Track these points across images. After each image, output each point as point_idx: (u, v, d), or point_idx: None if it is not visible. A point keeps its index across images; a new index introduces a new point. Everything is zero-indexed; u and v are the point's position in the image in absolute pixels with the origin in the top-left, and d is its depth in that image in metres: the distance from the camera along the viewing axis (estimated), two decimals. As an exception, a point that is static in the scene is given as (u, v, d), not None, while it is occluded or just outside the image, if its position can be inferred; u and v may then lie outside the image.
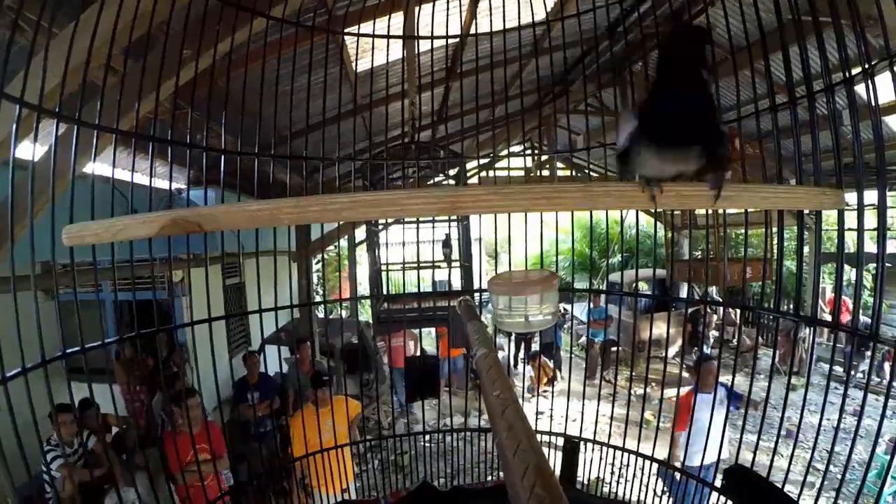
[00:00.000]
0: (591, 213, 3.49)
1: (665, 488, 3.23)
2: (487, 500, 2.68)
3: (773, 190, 1.31)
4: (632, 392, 8.39)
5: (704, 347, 9.67)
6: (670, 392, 7.62)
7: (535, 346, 10.33)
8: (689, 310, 8.91)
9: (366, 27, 3.07)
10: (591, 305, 8.81)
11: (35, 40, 1.57)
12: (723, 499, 2.28)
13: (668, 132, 1.11)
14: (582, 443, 2.99)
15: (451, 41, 5.83)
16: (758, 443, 2.45)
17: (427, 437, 6.18)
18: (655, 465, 2.82)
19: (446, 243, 5.95)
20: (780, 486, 2.05)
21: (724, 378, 7.82)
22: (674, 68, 1.13)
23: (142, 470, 4.06)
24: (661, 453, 3.19)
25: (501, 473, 2.89)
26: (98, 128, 1.70)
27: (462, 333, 1.52)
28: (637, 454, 2.81)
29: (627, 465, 2.95)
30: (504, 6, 4.12)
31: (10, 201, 1.70)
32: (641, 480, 2.92)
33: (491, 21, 3.50)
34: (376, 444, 6.61)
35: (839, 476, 1.93)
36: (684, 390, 5.53)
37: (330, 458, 3.08)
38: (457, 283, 5.12)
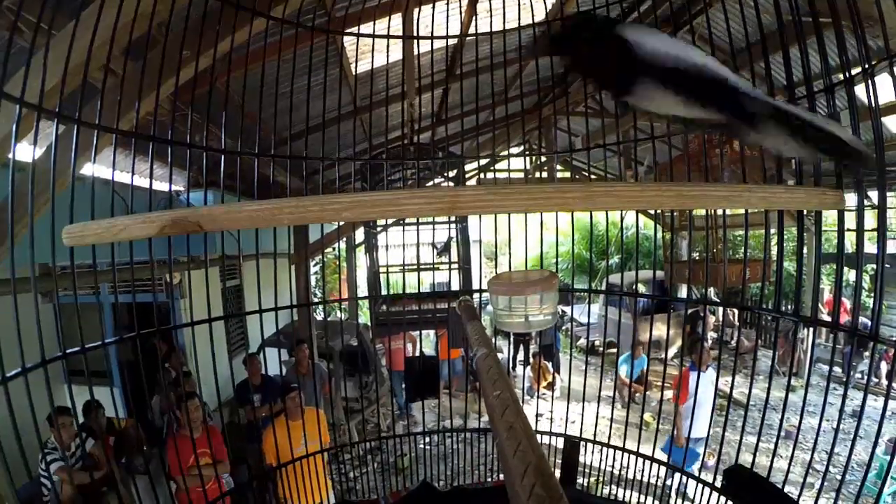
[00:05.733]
0: (591, 214, 3.49)
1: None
2: (487, 500, 2.68)
3: (773, 190, 1.31)
4: (632, 393, 8.40)
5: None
6: (670, 394, 7.63)
7: (534, 349, 10.32)
8: (689, 311, 8.92)
9: (365, 29, 3.08)
10: (633, 357, 8.62)
11: (35, 41, 1.57)
12: (724, 499, 2.29)
13: None
14: (582, 443, 2.99)
15: (450, 43, 5.84)
16: (757, 444, 2.45)
17: (427, 440, 6.18)
18: (656, 466, 2.82)
19: (446, 247, 5.95)
20: (779, 487, 2.05)
21: (724, 380, 7.84)
22: None
23: (141, 472, 4.06)
24: (661, 454, 3.19)
25: (501, 474, 2.88)
26: (98, 127, 1.69)
27: (462, 334, 1.52)
28: (637, 454, 2.81)
29: (627, 468, 2.95)
30: (504, 8, 4.13)
31: (10, 202, 1.69)
32: (641, 481, 2.92)
33: (491, 22, 3.50)
34: (376, 445, 6.61)
35: (839, 477, 1.93)
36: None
37: (303, 469, 2.89)
38: (456, 286, 5.12)
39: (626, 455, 2.87)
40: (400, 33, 3.58)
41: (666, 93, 1.15)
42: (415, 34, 3.03)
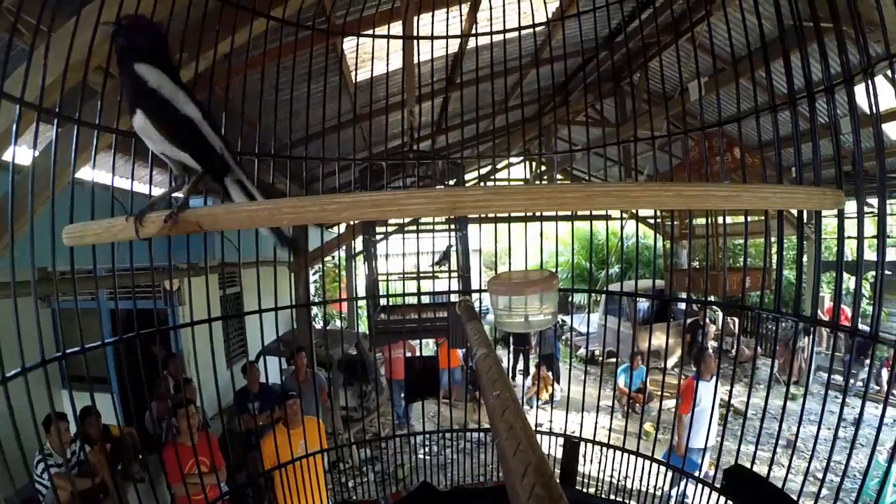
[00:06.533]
0: (591, 223, 3.50)
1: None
2: (487, 500, 2.67)
3: (773, 190, 1.30)
4: (631, 403, 8.37)
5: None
6: (669, 403, 7.60)
7: (534, 358, 10.28)
8: (689, 320, 8.90)
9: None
10: (632, 368, 8.76)
11: (34, 43, 1.57)
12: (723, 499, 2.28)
13: None
14: (581, 452, 2.97)
15: (450, 50, 5.86)
16: (755, 452, 2.43)
17: (426, 449, 6.16)
18: (655, 470, 2.80)
19: (445, 255, 5.95)
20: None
21: (724, 388, 7.81)
22: None
23: (137, 480, 4.03)
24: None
25: (501, 474, 2.87)
26: (98, 127, 1.69)
27: (462, 335, 1.52)
28: (637, 454, 2.79)
29: (627, 476, 2.93)
30: (504, 14, 4.14)
31: (9, 202, 1.69)
32: (640, 491, 2.90)
33: (491, 28, 3.51)
34: (376, 454, 6.59)
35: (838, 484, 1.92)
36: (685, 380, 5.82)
37: (301, 474, 2.88)
38: (454, 294, 5.12)
39: (625, 459, 2.86)
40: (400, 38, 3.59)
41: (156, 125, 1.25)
42: (415, 34, 3.05)
